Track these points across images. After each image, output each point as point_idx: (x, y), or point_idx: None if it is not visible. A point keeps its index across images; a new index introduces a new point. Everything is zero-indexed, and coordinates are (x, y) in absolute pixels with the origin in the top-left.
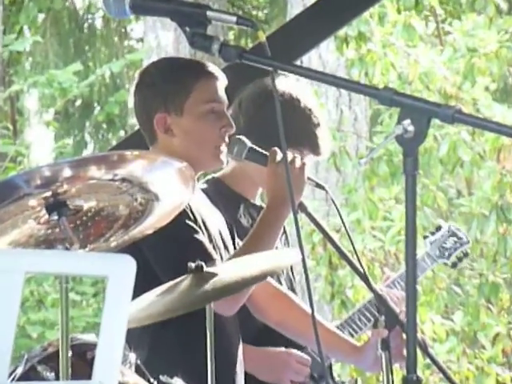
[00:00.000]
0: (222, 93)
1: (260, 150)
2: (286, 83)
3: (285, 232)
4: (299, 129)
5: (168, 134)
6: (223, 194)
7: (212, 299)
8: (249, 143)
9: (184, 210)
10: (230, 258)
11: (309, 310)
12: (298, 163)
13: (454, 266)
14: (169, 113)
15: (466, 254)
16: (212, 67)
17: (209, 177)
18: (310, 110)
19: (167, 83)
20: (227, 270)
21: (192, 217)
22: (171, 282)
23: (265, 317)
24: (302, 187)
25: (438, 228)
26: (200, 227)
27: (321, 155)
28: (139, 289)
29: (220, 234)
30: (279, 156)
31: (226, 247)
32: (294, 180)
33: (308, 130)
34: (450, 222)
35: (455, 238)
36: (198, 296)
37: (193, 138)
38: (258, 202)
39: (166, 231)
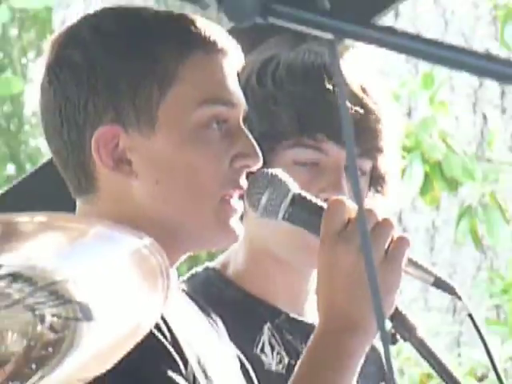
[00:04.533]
0: (234, 83)
1: (316, 201)
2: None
3: None
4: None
5: (121, 172)
6: (227, 303)
7: None
8: (294, 186)
9: (162, 349)
10: None
11: None
12: (391, 231)
13: None
14: (125, 126)
15: None
16: (214, 31)
17: (198, 269)
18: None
19: (122, 63)
20: None
21: (174, 351)
22: None
23: None
24: (395, 289)
25: None
26: (193, 369)
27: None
28: None
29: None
30: (349, 210)
31: None
32: (385, 274)
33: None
34: None
35: None
36: None
37: (175, 179)
38: (310, 316)
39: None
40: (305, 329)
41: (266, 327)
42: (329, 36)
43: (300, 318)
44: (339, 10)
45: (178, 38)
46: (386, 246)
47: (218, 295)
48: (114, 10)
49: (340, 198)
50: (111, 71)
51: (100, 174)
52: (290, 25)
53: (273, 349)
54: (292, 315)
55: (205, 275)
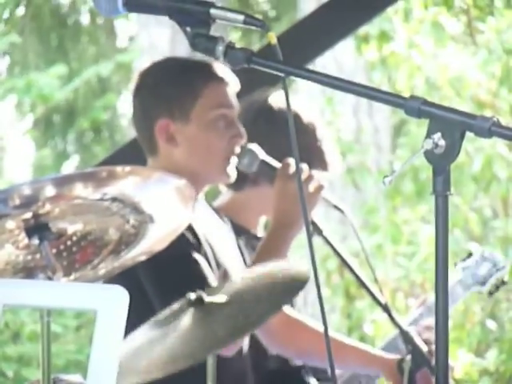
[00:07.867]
0: (232, 98)
1: (274, 162)
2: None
3: None
4: (304, 146)
5: (170, 144)
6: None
7: (225, 342)
8: (261, 154)
9: (187, 239)
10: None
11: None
12: (314, 183)
13: (490, 294)
14: (173, 119)
15: (503, 282)
16: (222, 70)
17: None
18: (313, 125)
19: (172, 85)
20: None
21: (196, 242)
22: (169, 316)
23: (283, 348)
24: (312, 209)
25: (470, 255)
26: (206, 252)
27: (328, 170)
28: (133, 321)
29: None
30: (292, 170)
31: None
32: (307, 200)
33: (313, 146)
34: (484, 246)
35: (490, 264)
36: (205, 340)
37: (198, 148)
38: (260, 233)
39: (169, 262)
40: (258, 239)
41: (243, 237)
42: (281, 74)
43: (255, 234)
44: (287, 57)
45: (202, 73)
46: (314, 188)
47: None
48: (175, 57)
49: (290, 162)
50: (167, 91)
51: (160, 145)
52: (261, 68)
53: (246, 248)
54: (252, 232)
55: None
